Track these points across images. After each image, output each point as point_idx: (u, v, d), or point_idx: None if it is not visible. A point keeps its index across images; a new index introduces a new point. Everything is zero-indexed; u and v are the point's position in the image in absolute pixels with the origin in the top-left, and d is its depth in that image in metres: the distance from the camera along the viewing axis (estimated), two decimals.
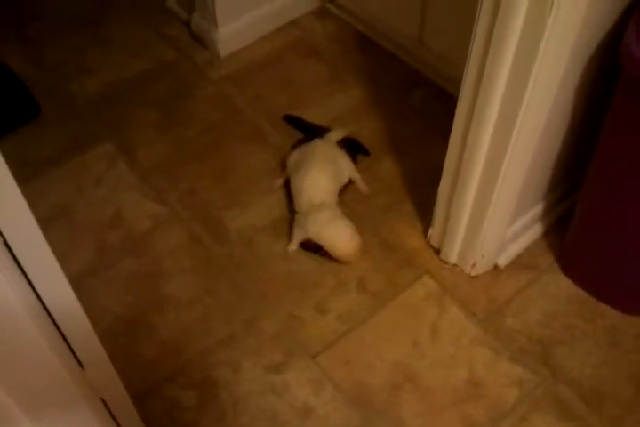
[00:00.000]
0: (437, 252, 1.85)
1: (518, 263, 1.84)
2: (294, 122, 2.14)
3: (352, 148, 2.01)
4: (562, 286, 1.81)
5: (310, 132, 2.06)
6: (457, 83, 1.47)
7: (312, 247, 1.82)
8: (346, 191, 1.95)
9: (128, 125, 2.15)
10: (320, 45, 2.38)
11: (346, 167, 1.95)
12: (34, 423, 1.04)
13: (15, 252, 0.90)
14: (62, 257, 0.99)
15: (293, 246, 1.86)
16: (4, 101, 2.12)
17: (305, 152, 1.94)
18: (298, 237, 1.84)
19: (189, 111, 2.20)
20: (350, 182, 1.97)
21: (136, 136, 2.13)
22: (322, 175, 1.87)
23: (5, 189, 0.83)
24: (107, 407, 1.35)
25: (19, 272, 0.93)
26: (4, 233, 0.86)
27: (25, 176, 1.95)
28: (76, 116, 2.18)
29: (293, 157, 1.97)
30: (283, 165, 2.02)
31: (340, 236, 1.79)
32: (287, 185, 1.96)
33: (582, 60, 1.42)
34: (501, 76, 1.33)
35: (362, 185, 1.97)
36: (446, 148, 1.61)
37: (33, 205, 0.87)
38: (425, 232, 1.87)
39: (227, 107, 2.21)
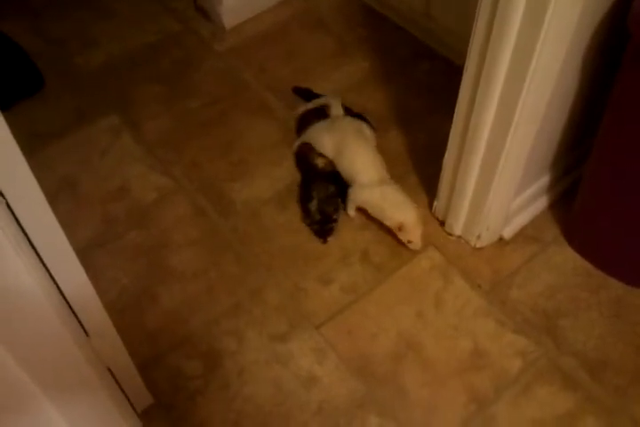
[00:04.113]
0: (442, 224, 1.84)
1: (524, 235, 1.84)
2: (304, 94, 2.13)
3: None
4: (567, 258, 1.80)
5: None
6: (464, 55, 1.46)
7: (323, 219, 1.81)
8: None
9: (133, 98, 2.15)
10: (326, 17, 2.37)
11: (371, 137, 1.94)
12: (51, 399, 1.05)
13: (23, 224, 0.91)
14: (69, 229, 1.00)
15: (352, 211, 1.86)
16: (9, 74, 2.11)
17: (342, 134, 1.89)
18: (352, 205, 1.84)
19: (194, 84, 2.19)
20: None
21: (141, 109, 2.12)
22: (371, 151, 1.85)
23: (13, 162, 0.84)
24: (113, 377, 1.36)
25: (28, 245, 0.93)
26: (14, 208, 0.87)
27: (30, 148, 1.94)
28: (80, 89, 2.18)
29: (322, 133, 1.92)
30: (290, 135, 2.03)
31: (412, 214, 1.76)
32: (298, 156, 1.97)
33: (590, 27, 1.40)
34: (507, 45, 1.32)
35: None
36: (452, 120, 1.61)
37: (38, 178, 0.88)
38: (430, 204, 1.87)
39: (232, 79, 2.20)
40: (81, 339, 1.15)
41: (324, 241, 1.82)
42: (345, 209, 1.86)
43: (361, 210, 1.85)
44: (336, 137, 1.89)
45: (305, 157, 1.94)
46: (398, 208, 1.76)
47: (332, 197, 1.83)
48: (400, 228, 1.75)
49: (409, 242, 1.77)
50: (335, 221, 1.81)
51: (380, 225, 1.84)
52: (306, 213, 1.84)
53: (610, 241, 1.75)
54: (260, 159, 2.00)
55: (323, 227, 1.82)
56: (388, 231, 1.81)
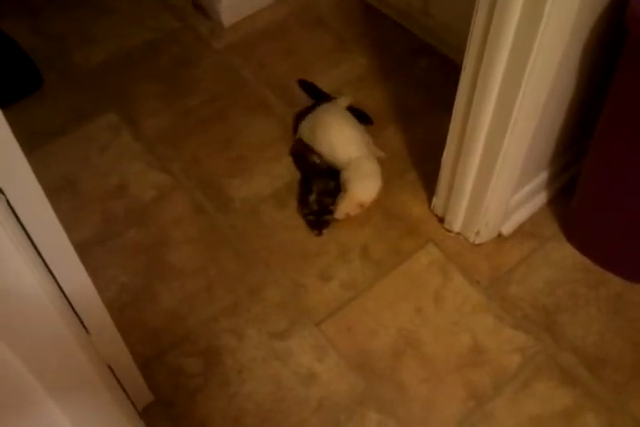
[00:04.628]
0: (441, 220, 1.85)
1: (522, 231, 1.84)
2: (308, 87, 2.13)
3: (356, 117, 2.01)
4: (566, 253, 1.81)
5: (320, 99, 2.06)
6: (462, 51, 1.46)
7: (319, 209, 1.82)
8: None
9: (132, 95, 2.15)
10: (324, 14, 2.36)
11: (354, 120, 1.96)
12: (52, 396, 1.05)
13: (23, 221, 0.91)
14: (68, 226, 1.00)
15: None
16: (7, 72, 2.11)
17: (317, 116, 1.94)
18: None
19: (193, 81, 2.19)
20: None
21: (140, 106, 2.12)
22: (347, 127, 1.89)
23: (13, 160, 0.84)
24: (114, 374, 1.36)
25: (28, 242, 0.93)
26: (14, 205, 0.88)
27: (29, 146, 1.94)
28: (79, 87, 2.17)
29: (307, 124, 1.96)
30: (289, 132, 2.03)
31: (365, 190, 1.81)
32: (294, 154, 1.98)
33: (588, 24, 1.40)
34: (505, 42, 1.32)
35: (375, 149, 1.96)
36: (450, 116, 1.61)
37: (38, 175, 0.88)
38: (429, 201, 1.87)
39: (230, 77, 2.20)
40: (81, 336, 1.15)
41: (319, 233, 1.82)
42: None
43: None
44: (313, 121, 1.94)
45: (301, 154, 1.94)
46: (361, 184, 1.80)
47: (332, 191, 1.83)
48: (361, 205, 1.80)
49: (334, 210, 1.81)
50: (332, 213, 1.81)
51: (380, 221, 1.85)
52: (303, 204, 1.84)
53: (608, 237, 1.75)
54: (259, 156, 2.00)
55: (319, 218, 1.82)
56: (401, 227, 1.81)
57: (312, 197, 1.82)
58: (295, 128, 2.03)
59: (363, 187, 1.80)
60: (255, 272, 1.78)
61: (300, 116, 2.03)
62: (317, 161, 1.90)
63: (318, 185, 1.83)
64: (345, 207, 1.79)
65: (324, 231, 1.82)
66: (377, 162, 1.86)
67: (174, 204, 1.91)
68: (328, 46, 2.27)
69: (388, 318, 1.70)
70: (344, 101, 2.02)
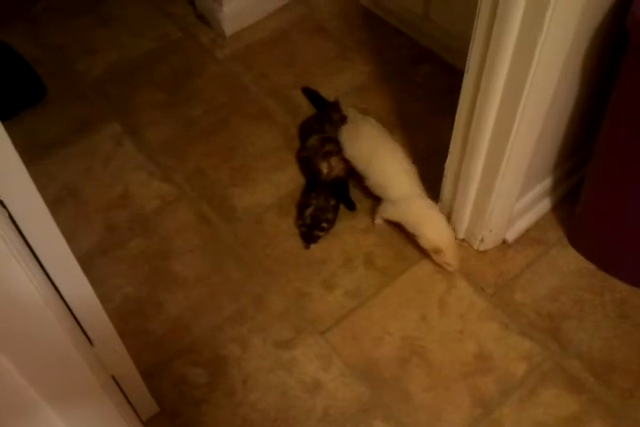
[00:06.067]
0: None
1: (527, 238, 1.84)
2: (311, 95, 2.14)
3: None
4: (571, 259, 1.80)
5: (323, 108, 2.06)
6: (463, 57, 1.46)
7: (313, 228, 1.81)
8: None
9: (134, 105, 2.15)
10: (325, 23, 2.37)
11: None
12: (56, 409, 1.05)
13: (25, 234, 0.91)
14: (72, 237, 1.00)
15: (379, 221, 1.85)
16: (10, 83, 2.12)
17: (363, 135, 1.87)
18: (383, 215, 1.83)
19: (195, 90, 2.19)
20: None
21: (143, 116, 2.13)
22: (402, 157, 1.82)
23: (14, 172, 0.84)
24: (118, 386, 1.36)
25: (30, 255, 0.93)
26: (16, 218, 0.88)
27: (33, 157, 1.97)
28: (82, 97, 2.18)
29: (349, 140, 1.89)
30: (291, 141, 2.03)
31: (436, 227, 1.74)
32: (299, 159, 1.98)
33: (589, 29, 1.40)
34: (507, 47, 1.32)
35: None
36: (453, 123, 1.60)
37: (41, 186, 0.89)
38: None
39: (232, 86, 2.20)
40: (85, 348, 1.15)
41: (307, 246, 1.82)
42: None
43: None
44: (362, 141, 1.86)
45: (309, 161, 1.93)
46: (431, 228, 1.73)
47: (331, 209, 1.82)
48: (436, 251, 1.73)
49: (447, 264, 1.75)
50: (324, 230, 1.81)
51: (384, 228, 1.85)
52: (300, 214, 1.84)
53: (613, 242, 1.74)
54: (262, 165, 2.00)
55: (310, 232, 1.81)
56: (405, 235, 1.81)
57: (308, 211, 1.81)
58: (301, 138, 2.02)
59: (434, 232, 1.73)
60: (259, 281, 1.78)
61: (306, 126, 2.04)
62: (325, 171, 1.88)
63: (318, 200, 1.82)
64: (445, 259, 1.74)
65: (312, 246, 1.82)
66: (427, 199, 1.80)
67: (177, 213, 1.91)
68: (329, 54, 2.27)
69: (392, 326, 1.70)
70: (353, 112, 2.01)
